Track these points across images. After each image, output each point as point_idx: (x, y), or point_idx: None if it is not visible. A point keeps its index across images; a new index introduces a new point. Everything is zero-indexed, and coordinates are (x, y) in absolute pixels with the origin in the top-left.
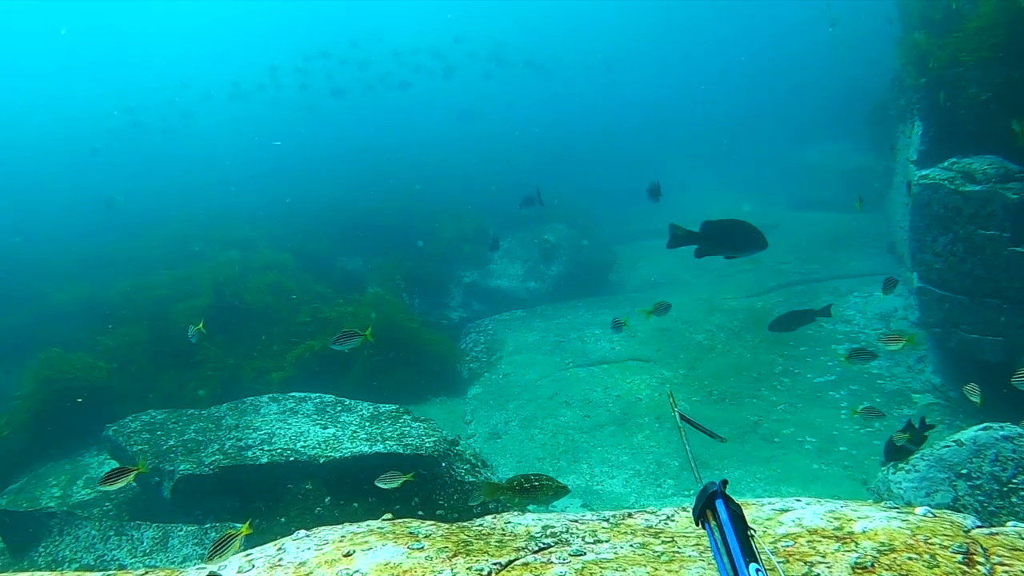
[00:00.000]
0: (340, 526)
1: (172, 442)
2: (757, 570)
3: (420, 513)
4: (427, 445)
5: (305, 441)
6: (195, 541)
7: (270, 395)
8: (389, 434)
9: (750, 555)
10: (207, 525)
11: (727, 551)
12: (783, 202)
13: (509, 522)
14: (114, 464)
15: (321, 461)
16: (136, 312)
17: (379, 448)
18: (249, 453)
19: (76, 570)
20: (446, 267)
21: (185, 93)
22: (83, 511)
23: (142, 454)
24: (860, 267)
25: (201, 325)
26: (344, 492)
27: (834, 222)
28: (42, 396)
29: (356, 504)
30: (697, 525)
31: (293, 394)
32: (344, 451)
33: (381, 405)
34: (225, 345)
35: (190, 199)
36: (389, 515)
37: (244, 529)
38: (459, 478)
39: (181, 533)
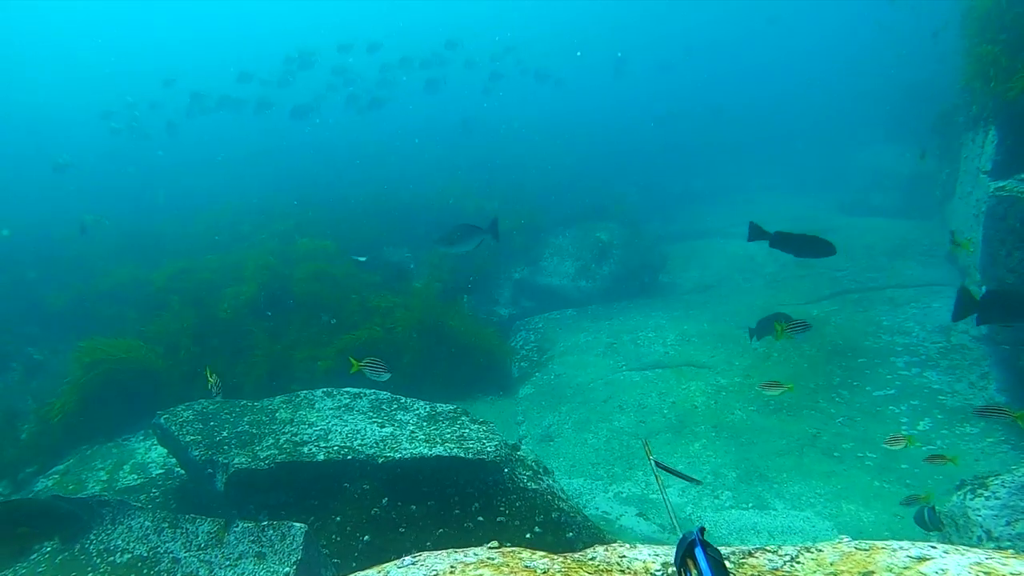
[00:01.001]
0: (446, 553)
1: (225, 433)
2: None
3: (480, 519)
4: (488, 449)
5: (362, 439)
6: (251, 538)
7: (324, 389)
8: (448, 436)
9: None
10: (264, 522)
11: None
12: (835, 206)
13: (624, 556)
14: (162, 451)
15: (380, 461)
16: (182, 295)
17: (439, 451)
18: (305, 449)
19: (128, 561)
20: (495, 262)
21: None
22: (130, 497)
23: (195, 444)
24: (918, 276)
25: (212, 378)
26: (402, 494)
27: (890, 229)
28: (88, 379)
29: (415, 507)
30: (679, 574)
31: (348, 389)
32: (404, 452)
33: (438, 404)
34: (271, 332)
35: (236, 189)
36: (495, 543)
37: None
38: (521, 485)
39: (237, 529)
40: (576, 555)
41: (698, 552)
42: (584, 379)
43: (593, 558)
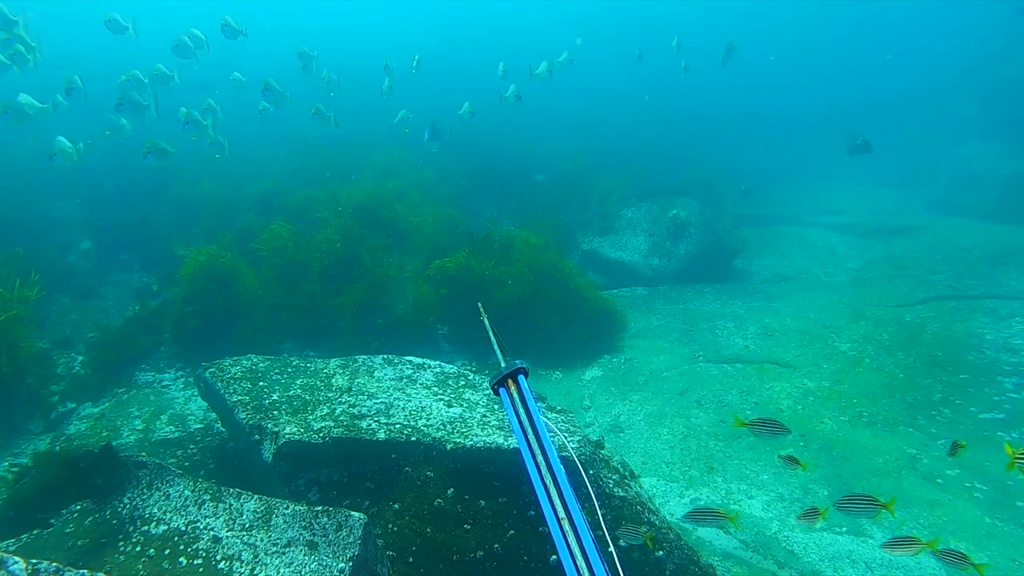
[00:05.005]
0: None
1: (276, 397)
2: (546, 426)
3: None
4: (571, 446)
5: (428, 419)
6: (302, 524)
7: (384, 356)
8: None
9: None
10: (317, 508)
11: (526, 410)
12: (922, 202)
13: None
14: (202, 404)
15: (448, 447)
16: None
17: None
18: (364, 424)
19: (164, 533)
20: (562, 226)
21: None
22: (167, 451)
23: (242, 405)
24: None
25: None
26: (470, 486)
27: (988, 233)
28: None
29: (483, 502)
30: (492, 391)
31: (410, 358)
32: (475, 439)
33: None
34: (368, 261)
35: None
36: None
37: None
38: (607, 490)
39: (287, 512)
40: None
41: (521, 379)
42: (657, 366)
43: None
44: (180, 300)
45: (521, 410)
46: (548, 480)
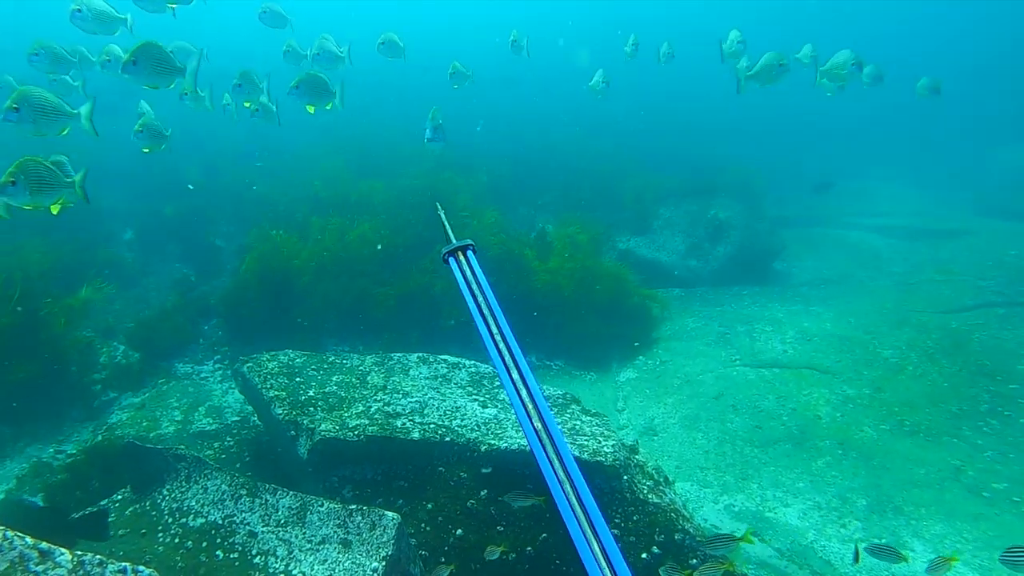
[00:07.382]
0: None
1: (312, 393)
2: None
3: None
4: (606, 450)
5: (462, 419)
6: (337, 522)
7: (419, 355)
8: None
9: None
10: (352, 506)
11: (475, 278)
12: (969, 205)
13: None
14: (239, 396)
15: (483, 449)
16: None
17: None
18: (399, 423)
19: (201, 526)
20: (598, 225)
21: None
22: (204, 443)
23: (279, 401)
24: None
25: None
26: (504, 488)
27: None
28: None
29: (516, 504)
30: (444, 261)
31: (445, 357)
32: (510, 441)
33: (546, 387)
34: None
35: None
36: None
37: None
38: (641, 496)
39: (322, 509)
40: None
41: (470, 253)
42: (693, 369)
43: None
44: (240, 285)
45: (470, 276)
46: (499, 340)
